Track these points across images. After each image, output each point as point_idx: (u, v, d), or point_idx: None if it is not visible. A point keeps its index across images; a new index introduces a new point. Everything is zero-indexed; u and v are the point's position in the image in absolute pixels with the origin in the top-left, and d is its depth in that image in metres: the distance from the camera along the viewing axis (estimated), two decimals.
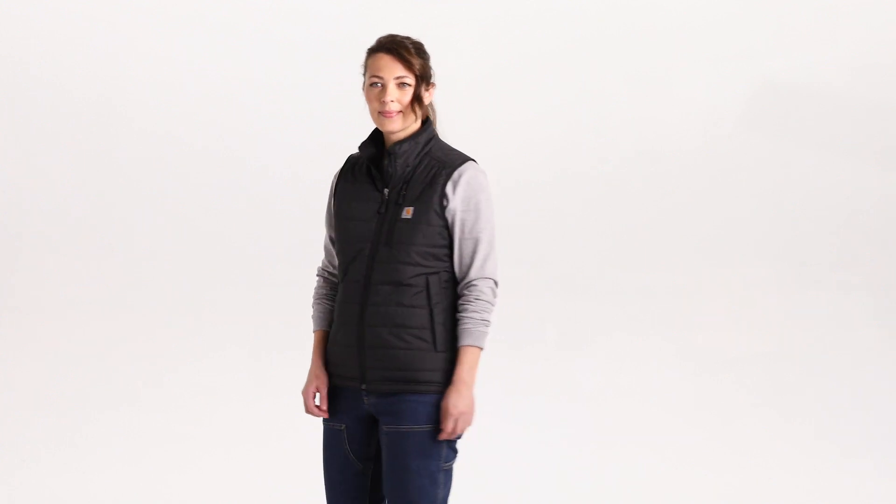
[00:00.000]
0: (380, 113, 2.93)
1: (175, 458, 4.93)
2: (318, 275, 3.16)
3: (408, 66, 2.93)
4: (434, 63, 3.05)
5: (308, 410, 3.08)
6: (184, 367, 5.49)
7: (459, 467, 4.95)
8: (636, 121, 5.99)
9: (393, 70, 2.93)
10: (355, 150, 3.09)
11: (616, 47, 5.97)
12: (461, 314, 2.91)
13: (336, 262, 3.07)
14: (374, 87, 2.94)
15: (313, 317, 3.11)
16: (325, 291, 3.12)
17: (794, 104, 6.07)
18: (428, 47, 3.06)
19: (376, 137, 3.02)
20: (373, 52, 2.98)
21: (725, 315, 5.92)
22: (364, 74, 2.99)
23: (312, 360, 3.07)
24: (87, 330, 5.60)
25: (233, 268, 5.76)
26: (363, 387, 2.96)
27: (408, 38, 2.98)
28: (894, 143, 6.11)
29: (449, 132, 3.12)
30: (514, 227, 6.01)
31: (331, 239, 3.10)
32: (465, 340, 2.90)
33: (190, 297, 5.70)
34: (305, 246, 5.43)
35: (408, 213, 2.92)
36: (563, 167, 5.97)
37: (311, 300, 3.15)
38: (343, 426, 3.03)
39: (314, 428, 4.66)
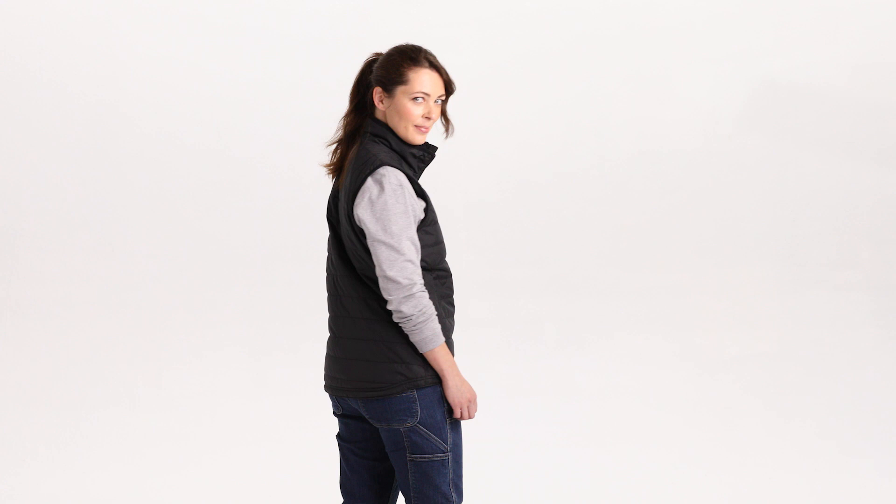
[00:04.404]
0: (416, 126, 2.99)
1: (175, 458, 4.93)
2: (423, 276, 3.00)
3: (446, 86, 3.04)
4: None
5: (472, 416, 3.00)
6: (183, 367, 5.49)
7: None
8: (636, 121, 5.99)
9: (437, 89, 3.00)
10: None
11: (616, 47, 5.97)
12: None
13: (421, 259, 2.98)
14: (417, 101, 2.98)
15: (448, 326, 3.04)
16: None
17: (794, 104, 6.07)
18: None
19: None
20: (415, 63, 2.99)
21: (725, 315, 5.92)
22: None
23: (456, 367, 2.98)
24: (86, 330, 5.60)
25: (233, 268, 5.76)
26: None
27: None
28: (894, 143, 6.11)
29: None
30: (514, 227, 6.02)
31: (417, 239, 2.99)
32: None
33: (190, 297, 5.70)
34: (306, 246, 5.44)
35: None
36: (563, 167, 5.96)
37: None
38: None
39: (313, 428, 4.66)
